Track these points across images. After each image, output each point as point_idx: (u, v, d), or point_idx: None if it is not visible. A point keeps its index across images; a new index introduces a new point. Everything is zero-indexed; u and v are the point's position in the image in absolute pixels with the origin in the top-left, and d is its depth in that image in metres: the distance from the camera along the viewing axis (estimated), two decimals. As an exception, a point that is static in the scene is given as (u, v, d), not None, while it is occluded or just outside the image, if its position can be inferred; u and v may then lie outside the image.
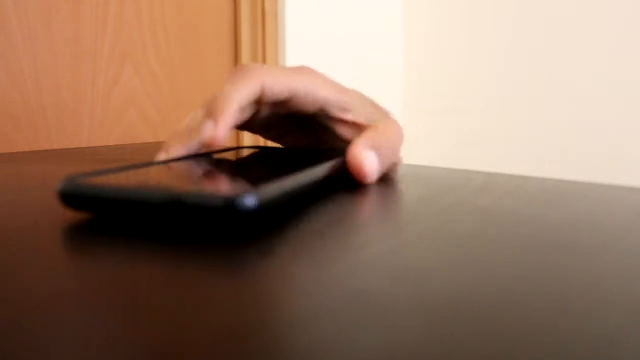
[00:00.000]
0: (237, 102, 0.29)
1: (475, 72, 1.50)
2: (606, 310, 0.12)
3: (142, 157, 0.44)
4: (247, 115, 0.32)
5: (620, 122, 1.27)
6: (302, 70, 0.34)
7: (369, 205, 0.23)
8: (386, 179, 0.31)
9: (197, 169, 0.25)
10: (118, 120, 1.05)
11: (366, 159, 0.29)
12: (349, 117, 0.34)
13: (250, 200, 0.17)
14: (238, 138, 1.23)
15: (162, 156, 0.30)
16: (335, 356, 0.09)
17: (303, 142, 0.39)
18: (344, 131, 0.35)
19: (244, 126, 0.37)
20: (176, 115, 1.13)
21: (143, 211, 0.19)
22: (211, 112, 0.29)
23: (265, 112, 0.34)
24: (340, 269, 0.14)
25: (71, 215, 0.21)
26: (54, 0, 0.96)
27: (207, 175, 0.24)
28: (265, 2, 1.20)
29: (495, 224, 0.20)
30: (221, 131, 0.28)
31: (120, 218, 0.20)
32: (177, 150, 0.31)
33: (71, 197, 0.19)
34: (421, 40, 1.60)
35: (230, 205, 0.17)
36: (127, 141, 1.07)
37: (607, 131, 1.29)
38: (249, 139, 1.23)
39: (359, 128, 0.34)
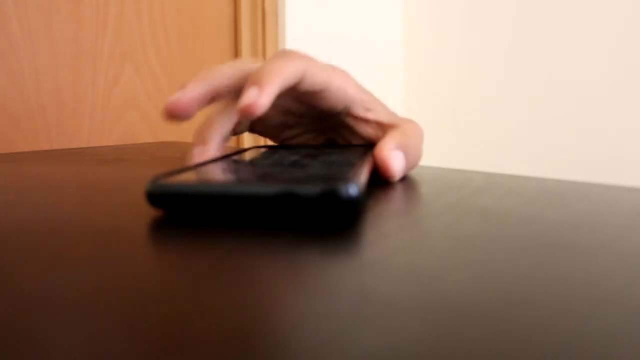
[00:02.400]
0: (282, 77, 0.29)
1: (475, 72, 1.50)
2: (606, 310, 0.12)
3: (142, 157, 0.44)
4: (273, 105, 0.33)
5: (620, 122, 1.27)
6: (335, 67, 0.34)
7: (369, 206, 0.23)
8: (385, 180, 0.31)
9: (265, 163, 0.27)
10: (118, 120, 1.05)
11: (395, 158, 0.30)
12: (371, 116, 0.35)
13: (353, 190, 0.19)
14: (238, 140, 1.23)
15: (177, 94, 0.30)
16: (335, 356, 0.09)
17: (315, 143, 0.39)
18: (365, 130, 0.36)
19: (256, 128, 0.37)
20: (176, 115, 1.13)
21: (245, 205, 0.20)
22: (255, 81, 0.28)
23: (288, 103, 0.34)
24: (341, 269, 0.14)
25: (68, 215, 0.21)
26: (54, 0, 0.96)
27: (286, 168, 0.24)
28: (265, 2, 1.20)
29: (495, 224, 0.20)
30: (264, 98, 0.28)
31: (201, 214, 0.21)
32: (197, 90, 0.30)
33: (163, 196, 0.20)
34: (421, 40, 1.60)
35: (336, 195, 0.19)
36: (127, 141, 1.07)
37: (607, 131, 1.29)
38: (248, 142, 1.23)
39: (380, 127, 0.35)
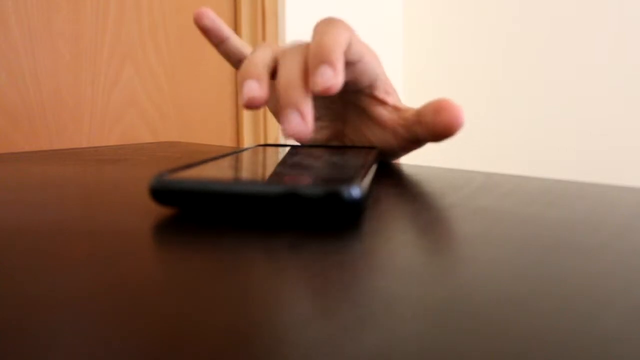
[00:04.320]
0: (343, 49, 0.29)
1: (476, 72, 1.50)
2: (606, 310, 0.12)
3: (142, 157, 0.44)
4: None
5: (620, 122, 1.27)
6: (368, 45, 0.35)
7: (370, 206, 0.23)
8: (385, 179, 0.31)
9: (269, 163, 0.27)
10: (118, 120, 1.05)
11: (460, 109, 0.32)
12: (390, 99, 0.36)
13: (356, 192, 0.20)
14: (238, 136, 1.23)
15: (254, 88, 0.29)
16: (335, 356, 0.09)
17: (324, 132, 0.40)
18: (382, 113, 0.36)
19: (270, 105, 0.38)
20: (176, 115, 1.13)
21: (249, 204, 0.20)
22: (323, 57, 0.28)
23: None
24: (341, 268, 0.14)
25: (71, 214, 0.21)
26: (54, 0, 0.96)
27: (290, 168, 0.25)
28: (265, 2, 1.20)
29: (495, 224, 0.20)
30: (340, 77, 0.28)
31: (203, 212, 0.21)
32: (265, 77, 0.29)
33: (167, 193, 0.21)
34: (421, 40, 1.60)
35: (339, 196, 0.19)
36: (127, 141, 1.07)
37: (607, 131, 1.29)
38: (249, 140, 1.23)
39: (396, 111, 0.36)
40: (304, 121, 0.28)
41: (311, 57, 0.29)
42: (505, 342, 0.10)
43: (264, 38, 1.21)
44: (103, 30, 1.02)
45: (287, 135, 0.28)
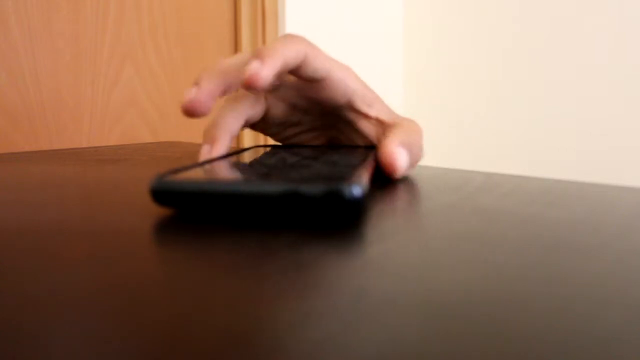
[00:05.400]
0: (284, 56, 0.30)
1: (476, 72, 1.50)
2: (606, 310, 0.12)
3: (142, 157, 0.44)
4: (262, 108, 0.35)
5: (620, 122, 1.27)
6: (337, 60, 0.35)
7: (370, 205, 0.23)
8: (385, 178, 0.31)
9: (268, 163, 0.27)
10: (118, 120, 1.05)
11: (400, 154, 0.30)
12: (372, 112, 0.35)
13: (356, 190, 0.20)
14: (237, 140, 1.23)
15: (193, 91, 0.31)
16: (335, 354, 0.09)
17: (317, 142, 0.39)
18: (366, 126, 0.36)
19: (258, 125, 0.37)
20: (176, 115, 1.13)
21: (249, 204, 0.20)
22: (258, 56, 0.29)
23: (292, 97, 0.35)
24: (341, 268, 0.14)
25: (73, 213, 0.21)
26: (54, 0, 0.96)
27: (290, 168, 0.25)
28: (265, 2, 1.20)
29: (495, 224, 0.20)
30: (267, 71, 0.28)
31: (204, 212, 0.21)
32: (211, 84, 0.31)
33: (168, 194, 0.21)
34: (421, 41, 1.60)
35: (339, 195, 0.20)
36: (127, 141, 1.07)
37: (607, 131, 1.29)
38: (248, 139, 1.23)
39: (380, 124, 0.35)
40: (198, 92, 0.30)
41: (249, 59, 0.30)
42: (504, 342, 0.10)
43: (263, 38, 1.21)
44: (103, 30, 1.02)
45: (244, 80, 0.28)
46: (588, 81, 1.30)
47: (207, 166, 0.25)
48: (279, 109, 0.36)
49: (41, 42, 0.95)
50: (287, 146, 0.36)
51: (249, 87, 0.28)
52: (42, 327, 0.11)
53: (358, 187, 0.20)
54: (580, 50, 1.31)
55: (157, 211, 0.22)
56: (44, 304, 0.12)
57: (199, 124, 1.17)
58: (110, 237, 0.18)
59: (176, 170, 0.23)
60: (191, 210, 0.21)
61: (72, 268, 0.15)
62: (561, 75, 1.34)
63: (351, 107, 0.35)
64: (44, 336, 0.10)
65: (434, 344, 0.10)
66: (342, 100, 0.34)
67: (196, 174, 0.22)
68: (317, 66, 0.32)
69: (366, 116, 0.35)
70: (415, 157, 0.32)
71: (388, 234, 0.18)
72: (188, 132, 1.15)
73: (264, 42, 1.21)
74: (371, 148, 0.34)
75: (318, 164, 0.26)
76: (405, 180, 0.31)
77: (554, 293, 0.13)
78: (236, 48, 1.22)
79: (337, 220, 0.20)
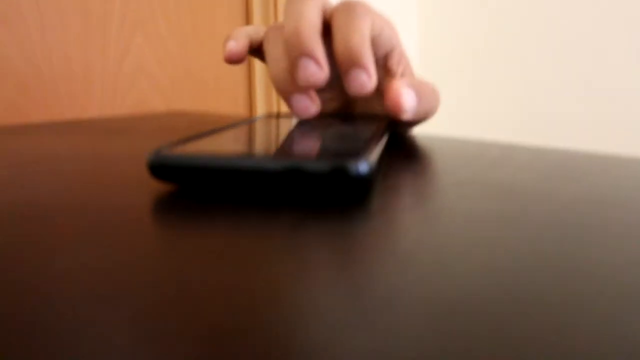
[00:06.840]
0: (370, 41, 0.30)
1: (491, 42, 1.46)
2: (631, 308, 0.11)
3: (150, 127, 0.44)
4: None
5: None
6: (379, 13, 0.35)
7: (378, 180, 0.22)
8: (396, 152, 0.30)
9: (274, 135, 0.25)
10: (129, 88, 1.05)
11: (406, 95, 0.29)
12: (399, 68, 0.35)
13: (363, 167, 0.19)
14: (251, 103, 1.22)
15: (232, 43, 0.36)
16: (335, 349, 0.09)
17: (331, 105, 0.38)
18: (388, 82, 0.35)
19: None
20: (187, 83, 1.12)
21: (250, 180, 0.19)
22: (354, 58, 0.29)
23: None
24: (346, 253, 0.14)
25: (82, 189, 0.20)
26: (62, -33, 0.94)
27: (295, 140, 0.23)
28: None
29: (510, 201, 0.19)
30: (374, 80, 0.29)
31: (203, 187, 0.20)
32: (245, 39, 0.37)
33: (165, 168, 0.20)
34: (435, 16, 1.56)
35: (345, 172, 0.18)
36: (138, 110, 1.06)
37: (633, 100, 1.26)
38: (261, 105, 1.22)
39: None
40: (319, 67, 0.28)
41: (341, 58, 0.28)
42: (515, 343, 0.09)
43: (275, 6, 1.18)
44: (112, -2, 1.01)
45: (301, 84, 0.28)
46: (610, 50, 1.26)
47: (209, 138, 0.24)
48: None
49: (51, 12, 0.94)
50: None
51: (359, 95, 0.29)
52: (41, 310, 0.10)
53: (365, 163, 0.19)
54: (600, 19, 1.26)
55: (159, 186, 0.21)
56: (41, 285, 0.11)
57: (211, 92, 1.16)
58: (109, 213, 0.17)
59: (176, 143, 0.22)
60: (190, 186, 0.21)
61: (68, 245, 0.14)
62: (580, 44, 1.30)
63: (383, 64, 0.34)
64: (44, 320, 0.10)
65: (431, 342, 0.09)
66: (381, 55, 0.34)
67: (196, 147, 0.21)
68: (375, 25, 0.32)
69: (392, 73, 0.34)
70: (424, 105, 0.31)
71: (396, 214, 0.17)
72: (200, 99, 1.15)
73: (275, 10, 1.19)
74: (383, 119, 0.32)
75: (326, 137, 0.24)
76: (417, 152, 0.30)
77: (573, 287, 0.12)
78: (247, 16, 1.19)
79: (343, 197, 0.19)
